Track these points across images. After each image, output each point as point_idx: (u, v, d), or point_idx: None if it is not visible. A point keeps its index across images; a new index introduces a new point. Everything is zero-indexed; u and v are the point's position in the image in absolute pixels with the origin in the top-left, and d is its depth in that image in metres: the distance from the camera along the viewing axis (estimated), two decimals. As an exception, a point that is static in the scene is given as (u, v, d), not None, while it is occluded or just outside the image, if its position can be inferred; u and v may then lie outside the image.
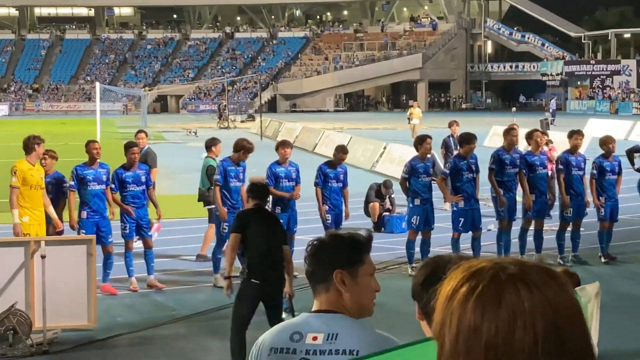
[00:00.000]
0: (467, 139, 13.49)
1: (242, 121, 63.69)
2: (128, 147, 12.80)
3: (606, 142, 14.11)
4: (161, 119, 69.23)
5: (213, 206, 13.76)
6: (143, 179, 12.71)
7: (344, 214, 13.69)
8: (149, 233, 13.00)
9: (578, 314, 1.48)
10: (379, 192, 17.91)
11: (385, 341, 3.10)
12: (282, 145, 13.54)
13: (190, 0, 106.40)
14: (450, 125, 20.57)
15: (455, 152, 18.64)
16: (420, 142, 13.74)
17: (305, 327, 3.15)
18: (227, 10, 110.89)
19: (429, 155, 13.84)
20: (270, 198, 13.59)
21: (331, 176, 13.53)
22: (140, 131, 15.84)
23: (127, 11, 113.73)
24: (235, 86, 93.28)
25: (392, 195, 18.01)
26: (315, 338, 3.12)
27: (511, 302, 1.44)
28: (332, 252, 3.22)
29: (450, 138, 20.08)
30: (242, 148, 13.06)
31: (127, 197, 12.63)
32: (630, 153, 17.47)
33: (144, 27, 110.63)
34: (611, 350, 8.84)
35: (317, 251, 3.23)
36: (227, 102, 65.82)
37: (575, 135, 14.17)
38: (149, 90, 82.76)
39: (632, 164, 17.36)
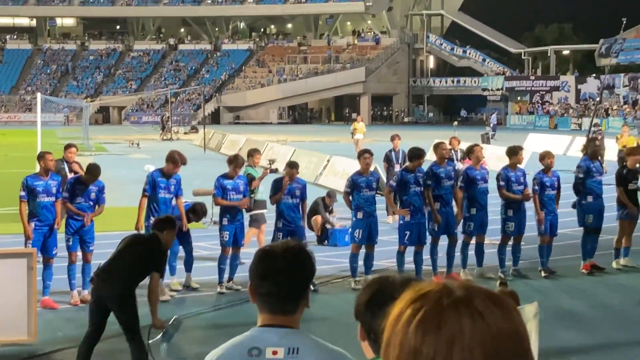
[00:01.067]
0: (418, 155, 13.60)
1: (185, 133, 63.39)
2: (93, 171, 12.69)
3: (545, 158, 14.35)
4: (103, 130, 68.62)
5: (254, 212, 14.85)
6: (93, 195, 12.60)
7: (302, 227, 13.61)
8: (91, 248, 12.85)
9: (520, 341, 1.50)
10: (325, 204, 17.96)
11: (342, 357, 3.09)
12: (233, 163, 13.51)
13: (133, 11, 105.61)
14: (392, 139, 20.69)
15: (397, 166, 18.80)
16: (359, 156, 13.89)
17: (261, 341, 3.05)
18: (170, 22, 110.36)
19: (372, 170, 13.90)
20: (218, 210, 13.59)
21: (284, 192, 13.43)
22: (71, 145, 15.74)
23: (69, 22, 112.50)
24: (178, 98, 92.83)
25: (334, 206, 18.09)
26: (275, 352, 3.02)
27: (451, 328, 1.46)
28: (311, 266, 3.15)
29: (392, 152, 20.21)
30: (171, 160, 13.04)
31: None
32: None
33: (87, 38, 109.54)
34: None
35: (298, 265, 3.09)
36: (170, 114, 65.45)
37: (520, 151, 14.41)
38: (91, 101, 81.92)
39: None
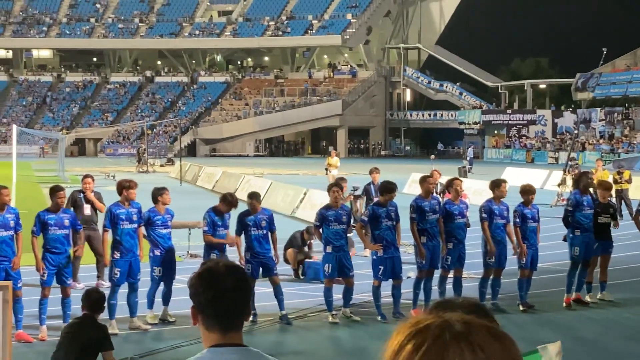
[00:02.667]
0: (390, 189, 13.54)
1: (161, 165, 63.27)
2: (55, 191, 12.57)
3: (526, 192, 14.37)
4: (79, 162, 68.31)
5: None
6: (67, 222, 12.44)
7: (274, 259, 13.48)
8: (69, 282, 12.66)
9: None
10: (302, 239, 17.89)
11: None
12: (232, 205, 13.50)
13: (110, 43, 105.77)
14: (371, 172, 20.70)
15: (375, 200, 18.76)
16: (328, 190, 13.90)
17: None
18: (147, 54, 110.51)
19: (346, 203, 13.85)
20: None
21: (250, 224, 13.39)
22: (88, 176, 16.41)
23: (45, 53, 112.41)
24: (154, 130, 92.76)
25: (312, 241, 18.02)
26: None
27: None
28: (249, 280, 3.19)
29: (372, 185, 20.18)
30: (122, 188, 12.99)
31: (50, 241, 12.32)
32: None
33: (63, 70, 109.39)
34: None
35: (243, 283, 3.11)
36: (146, 146, 65.34)
37: (503, 184, 14.42)
38: (67, 133, 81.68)
39: None
